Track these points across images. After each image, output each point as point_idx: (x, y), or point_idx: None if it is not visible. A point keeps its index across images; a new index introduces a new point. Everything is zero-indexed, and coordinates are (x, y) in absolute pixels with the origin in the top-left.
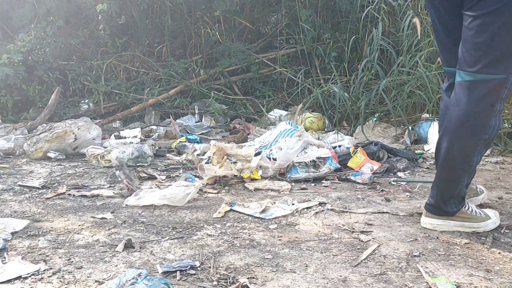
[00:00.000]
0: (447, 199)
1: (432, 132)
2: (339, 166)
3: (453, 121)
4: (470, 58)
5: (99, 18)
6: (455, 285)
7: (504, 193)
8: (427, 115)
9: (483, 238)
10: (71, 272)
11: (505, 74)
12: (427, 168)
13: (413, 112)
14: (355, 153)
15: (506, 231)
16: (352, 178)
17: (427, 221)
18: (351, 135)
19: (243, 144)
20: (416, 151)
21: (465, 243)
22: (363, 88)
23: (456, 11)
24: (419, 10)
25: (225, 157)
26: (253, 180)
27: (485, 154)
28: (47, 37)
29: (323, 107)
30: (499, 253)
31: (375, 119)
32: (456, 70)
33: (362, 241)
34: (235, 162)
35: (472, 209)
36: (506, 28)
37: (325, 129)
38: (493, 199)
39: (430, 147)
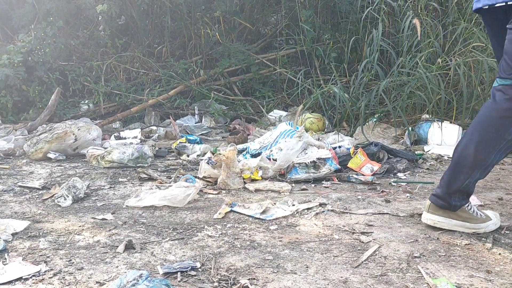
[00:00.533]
0: (454, 191)
1: (432, 132)
2: (339, 167)
3: (483, 115)
4: (507, 66)
5: (99, 18)
6: (456, 286)
7: (504, 194)
8: (427, 116)
9: (483, 239)
10: (72, 273)
11: None
12: (427, 169)
13: (413, 112)
14: (355, 154)
15: (506, 232)
16: (355, 176)
17: (429, 217)
18: (351, 136)
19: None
20: (416, 152)
21: (466, 244)
22: (363, 88)
23: (505, 27)
24: (419, 11)
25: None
26: (253, 180)
27: None
28: (47, 37)
29: (323, 108)
30: (500, 254)
31: (375, 119)
32: (496, 78)
33: (362, 242)
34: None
35: (473, 210)
36: None
37: (325, 130)
38: (493, 200)
39: (430, 148)
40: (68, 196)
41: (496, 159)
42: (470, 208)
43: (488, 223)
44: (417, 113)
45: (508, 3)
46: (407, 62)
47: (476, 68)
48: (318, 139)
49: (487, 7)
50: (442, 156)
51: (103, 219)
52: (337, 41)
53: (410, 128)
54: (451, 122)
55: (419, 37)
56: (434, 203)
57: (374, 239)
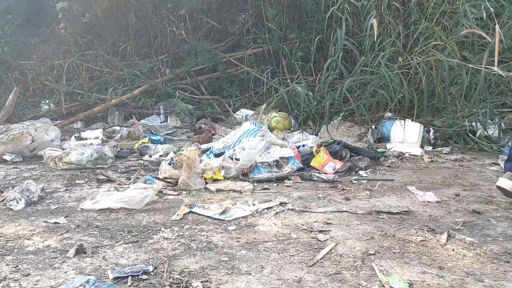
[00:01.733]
0: None
1: (394, 130)
2: (301, 165)
3: None
4: None
5: (59, 16)
6: (408, 283)
7: (461, 190)
8: (390, 114)
9: (438, 235)
10: (17, 280)
11: None
12: (388, 166)
13: (377, 111)
14: (318, 152)
15: (461, 227)
16: (317, 175)
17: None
18: (316, 135)
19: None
20: (378, 150)
21: (420, 241)
22: (329, 87)
23: None
24: (383, 11)
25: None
26: (215, 181)
27: (445, 152)
28: (6, 35)
29: (288, 106)
30: (453, 250)
31: (340, 118)
32: None
33: (319, 240)
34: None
35: None
36: None
37: (292, 129)
38: (450, 196)
39: (392, 146)
40: (20, 200)
41: None
42: None
43: None
44: (381, 111)
45: None
46: (370, 61)
47: (437, 67)
48: (284, 138)
49: None
50: (404, 154)
51: (55, 222)
52: (304, 40)
53: (373, 126)
54: (412, 120)
55: (375, 37)
56: None
57: (331, 237)
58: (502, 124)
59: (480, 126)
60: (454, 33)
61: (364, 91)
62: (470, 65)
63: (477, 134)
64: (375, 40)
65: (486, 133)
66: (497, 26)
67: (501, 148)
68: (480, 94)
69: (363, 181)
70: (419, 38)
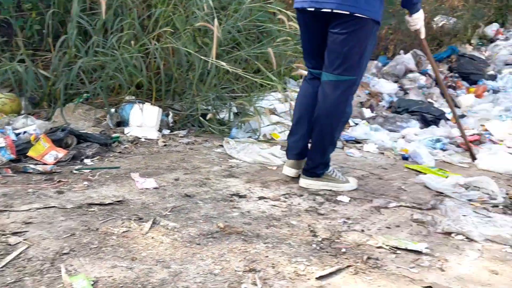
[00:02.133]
0: (317, 165)
1: (133, 114)
2: (14, 156)
3: (324, 111)
4: (335, 64)
5: None
6: (94, 280)
7: (182, 174)
8: (129, 98)
9: (143, 223)
10: None
11: (355, 76)
12: (120, 152)
13: (120, 94)
14: (38, 140)
15: (168, 213)
16: (33, 166)
17: (303, 181)
18: (50, 119)
19: None
20: (113, 135)
21: (123, 232)
22: (67, 67)
23: (324, 29)
24: None
25: None
26: None
27: (181, 136)
28: None
29: (15, 86)
30: (153, 238)
31: (80, 100)
32: (323, 72)
33: (10, 244)
34: None
35: (336, 173)
36: (358, 44)
37: (23, 112)
38: (169, 181)
39: (130, 130)
40: None
41: (339, 136)
42: (333, 173)
43: (346, 185)
44: (123, 94)
45: (334, 10)
46: (109, 41)
47: (176, 53)
48: (9, 123)
49: (313, 9)
50: (140, 138)
51: None
52: (42, 12)
53: (113, 110)
54: (152, 104)
55: (103, 16)
56: (305, 175)
57: (25, 239)
58: (234, 108)
59: (213, 110)
60: (190, 21)
61: (102, 73)
62: (197, 55)
63: (207, 117)
64: (103, 18)
65: (218, 116)
66: (215, 20)
67: (229, 131)
68: (212, 80)
69: (85, 171)
70: (159, 22)
